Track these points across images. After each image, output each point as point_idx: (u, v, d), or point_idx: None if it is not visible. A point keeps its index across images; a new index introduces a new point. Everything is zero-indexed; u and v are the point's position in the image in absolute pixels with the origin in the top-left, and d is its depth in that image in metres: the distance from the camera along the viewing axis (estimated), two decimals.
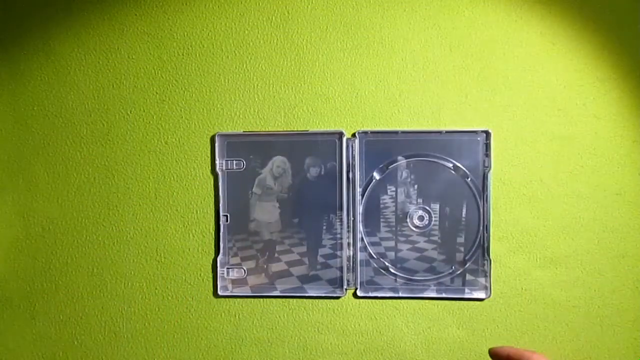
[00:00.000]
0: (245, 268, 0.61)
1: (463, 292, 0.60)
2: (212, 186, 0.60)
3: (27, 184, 0.54)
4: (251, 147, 0.60)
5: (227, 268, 0.61)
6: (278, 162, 0.60)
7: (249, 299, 0.61)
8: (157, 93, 0.54)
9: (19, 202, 0.54)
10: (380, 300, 0.60)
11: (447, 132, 0.59)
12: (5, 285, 0.56)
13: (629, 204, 0.54)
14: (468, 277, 0.60)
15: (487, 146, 0.58)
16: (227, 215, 0.60)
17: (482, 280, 0.59)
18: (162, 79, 0.54)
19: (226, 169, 0.60)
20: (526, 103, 0.57)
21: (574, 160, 0.56)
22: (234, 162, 0.60)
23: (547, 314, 0.59)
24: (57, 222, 0.55)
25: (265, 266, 0.61)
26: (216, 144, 0.60)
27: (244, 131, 0.59)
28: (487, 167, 0.58)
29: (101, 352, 0.58)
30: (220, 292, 0.61)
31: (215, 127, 0.56)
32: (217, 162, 0.60)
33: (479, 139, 0.59)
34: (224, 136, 0.60)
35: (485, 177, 0.59)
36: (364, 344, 0.62)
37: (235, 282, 0.61)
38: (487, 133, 0.58)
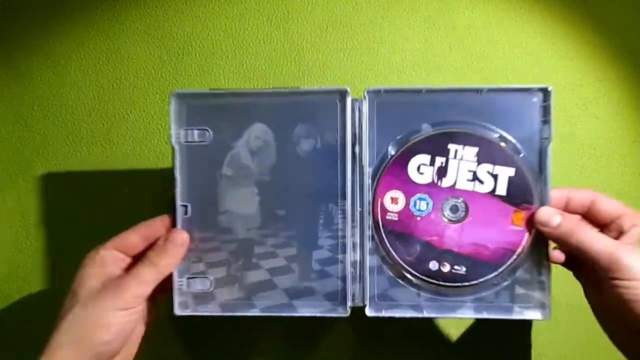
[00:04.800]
0: (212, 278, 0.45)
1: (511, 310, 0.43)
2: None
3: (27, 184, 0.54)
4: (220, 112, 0.44)
5: (188, 278, 0.44)
6: (257, 132, 0.44)
7: (217, 320, 0.46)
8: (157, 93, 0.54)
9: (19, 202, 0.54)
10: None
11: (489, 90, 0.42)
12: (6, 285, 0.56)
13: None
14: (518, 290, 0.43)
15: (546, 109, 0.42)
16: (186, 206, 0.44)
17: (537, 294, 0.43)
18: (162, 79, 0.54)
19: (185, 142, 0.44)
20: None
21: (574, 160, 0.54)
22: (196, 132, 0.44)
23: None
24: (58, 222, 0.55)
25: (239, 275, 0.45)
26: (171, 108, 0.43)
27: (210, 89, 0.43)
28: (546, 138, 0.42)
29: None
30: (177, 311, 0.44)
31: None
32: (173, 131, 0.44)
33: (534, 99, 0.43)
34: (183, 97, 0.43)
35: (543, 153, 0.42)
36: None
37: (199, 297, 0.45)
38: (546, 91, 0.42)
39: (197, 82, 0.54)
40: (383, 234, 0.43)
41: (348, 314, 0.43)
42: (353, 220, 0.43)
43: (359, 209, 0.43)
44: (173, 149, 0.44)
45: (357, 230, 0.44)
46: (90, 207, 0.55)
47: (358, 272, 0.44)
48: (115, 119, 0.54)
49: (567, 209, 0.43)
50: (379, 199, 0.43)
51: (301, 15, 0.53)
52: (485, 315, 0.43)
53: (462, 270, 0.43)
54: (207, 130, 0.44)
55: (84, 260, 0.42)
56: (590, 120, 0.54)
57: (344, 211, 0.43)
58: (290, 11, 0.53)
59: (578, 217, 0.43)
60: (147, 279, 0.41)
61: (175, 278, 0.44)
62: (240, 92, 0.44)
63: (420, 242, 0.43)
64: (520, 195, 0.42)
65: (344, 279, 0.44)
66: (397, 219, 0.43)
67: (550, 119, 0.42)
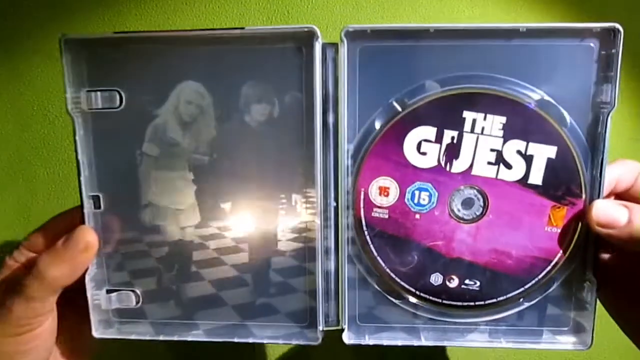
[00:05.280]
0: (139, 291, 0.33)
1: (540, 336, 0.32)
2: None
3: (27, 184, 0.54)
4: (134, 66, 0.31)
5: (108, 290, 0.33)
6: (188, 94, 0.30)
7: (148, 345, 0.34)
8: None
9: (19, 202, 0.54)
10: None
11: (527, 30, 0.29)
12: None
13: None
14: (550, 310, 0.32)
15: (610, 60, 0.29)
16: (98, 197, 0.32)
17: (576, 316, 0.32)
18: None
19: (88, 109, 0.31)
20: None
21: None
22: (101, 95, 0.30)
23: None
24: None
25: (175, 288, 0.33)
26: (63, 61, 0.30)
27: (115, 32, 0.30)
28: (606, 103, 0.29)
29: None
30: (96, 333, 0.33)
31: None
32: (68, 95, 0.30)
33: (591, 44, 0.29)
34: (79, 45, 0.30)
35: (601, 125, 0.29)
36: None
37: (124, 315, 0.34)
38: (615, 31, 0.28)
39: None
40: (367, 237, 0.31)
41: (319, 340, 0.32)
42: (325, 218, 0.31)
43: (333, 202, 0.31)
44: (72, 119, 0.31)
45: (331, 232, 0.32)
46: None
47: (332, 286, 0.32)
48: None
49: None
50: (362, 189, 0.31)
51: (301, 15, 0.52)
52: (503, 343, 0.32)
53: (475, 285, 0.31)
54: (118, 92, 0.31)
55: None
56: None
57: (312, 204, 0.31)
58: (290, 11, 0.51)
59: None
60: (33, 295, 0.30)
61: (90, 290, 0.33)
62: (161, 35, 0.31)
63: (420, 249, 0.31)
64: (563, 184, 0.30)
65: (313, 294, 0.32)
66: (387, 216, 0.31)
67: (616, 75, 0.28)
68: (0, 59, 0.52)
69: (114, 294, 0.33)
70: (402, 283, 0.32)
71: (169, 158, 0.31)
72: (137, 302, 0.33)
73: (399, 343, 0.32)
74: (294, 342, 0.33)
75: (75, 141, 0.31)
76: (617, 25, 0.28)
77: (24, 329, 0.30)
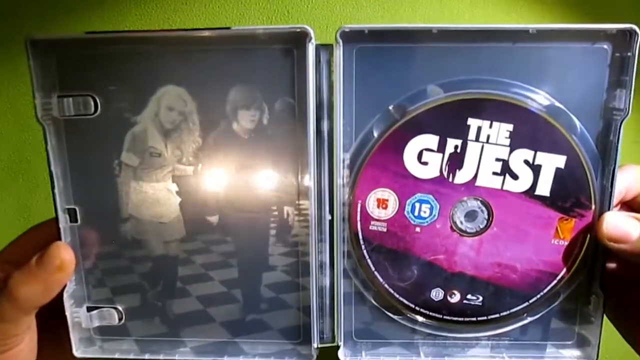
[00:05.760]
0: (121, 308, 0.31)
1: (544, 350, 0.31)
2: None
3: (27, 184, 0.54)
4: (110, 69, 0.28)
5: (88, 308, 0.31)
6: (170, 99, 0.28)
7: None
8: None
9: (19, 202, 0.54)
10: None
11: (537, 31, 0.26)
12: None
13: None
14: (555, 323, 0.31)
15: (625, 64, 0.27)
16: (74, 210, 0.30)
17: (581, 329, 0.30)
18: None
19: (61, 116, 0.28)
20: None
21: None
22: (73, 101, 0.28)
23: None
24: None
25: (160, 304, 0.31)
26: (31, 64, 0.27)
27: (87, 32, 0.27)
28: (619, 110, 0.27)
29: None
30: (77, 352, 0.31)
31: None
32: (38, 101, 0.28)
33: (605, 47, 0.27)
34: (48, 47, 0.27)
35: (613, 133, 0.28)
36: None
37: (107, 333, 0.32)
38: (632, 32, 0.26)
39: None
40: (364, 251, 0.30)
41: (314, 358, 0.31)
42: (320, 231, 0.29)
43: (327, 215, 0.29)
44: (42, 127, 0.28)
45: (326, 245, 0.30)
46: None
47: (327, 301, 0.31)
48: None
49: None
50: (359, 201, 0.29)
51: (301, 15, 0.52)
52: (505, 358, 0.31)
53: (477, 300, 0.30)
54: (93, 97, 0.28)
55: None
56: None
57: (305, 217, 0.29)
58: (290, 11, 0.52)
59: None
60: (3, 316, 0.28)
61: (69, 308, 0.31)
62: (138, 36, 0.28)
63: (420, 263, 0.30)
64: (572, 196, 0.28)
65: (307, 310, 0.30)
66: (385, 229, 0.29)
67: (631, 80, 0.26)
68: (0, 59, 0.53)
69: (94, 312, 0.31)
70: (401, 299, 0.30)
71: (150, 168, 0.29)
72: (120, 320, 0.31)
73: None
74: (287, 358, 0.31)
75: (47, 151, 0.29)
76: (635, 27, 0.26)
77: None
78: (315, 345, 0.31)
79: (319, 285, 0.30)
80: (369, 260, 0.30)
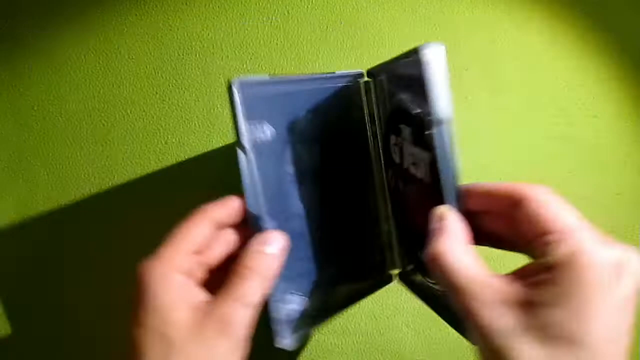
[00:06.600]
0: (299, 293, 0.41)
1: None
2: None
3: (27, 184, 0.54)
4: (271, 102, 0.38)
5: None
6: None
7: None
8: (157, 93, 0.53)
9: (19, 202, 0.54)
10: (380, 300, 0.55)
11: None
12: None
13: (629, 204, 0.51)
14: None
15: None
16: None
17: None
18: (162, 79, 0.53)
19: (255, 142, 0.37)
20: (526, 103, 0.54)
21: (574, 160, 0.54)
22: (260, 127, 0.38)
23: None
24: (57, 222, 0.54)
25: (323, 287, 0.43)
26: (236, 99, 0.35)
27: (270, 76, 0.38)
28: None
29: None
30: (281, 344, 0.38)
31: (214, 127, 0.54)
32: (243, 129, 0.35)
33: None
34: (247, 86, 0.36)
35: None
36: (364, 344, 0.56)
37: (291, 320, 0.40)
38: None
39: (197, 82, 0.53)
40: None
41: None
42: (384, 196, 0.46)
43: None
44: (240, 150, 0.36)
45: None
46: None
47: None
48: (115, 119, 0.53)
49: None
50: None
51: (301, 15, 0.52)
52: None
53: None
54: (267, 125, 0.39)
55: (148, 278, 0.30)
56: (590, 120, 0.53)
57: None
58: (290, 11, 0.52)
59: None
60: (251, 299, 0.30)
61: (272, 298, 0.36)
62: (289, 79, 0.40)
63: None
64: None
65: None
66: None
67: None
68: (0, 59, 0.52)
69: (282, 300, 0.38)
70: None
71: (300, 174, 0.41)
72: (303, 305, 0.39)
73: None
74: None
75: (242, 172, 0.36)
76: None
77: (242, 339, 0.30)
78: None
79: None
80: None
